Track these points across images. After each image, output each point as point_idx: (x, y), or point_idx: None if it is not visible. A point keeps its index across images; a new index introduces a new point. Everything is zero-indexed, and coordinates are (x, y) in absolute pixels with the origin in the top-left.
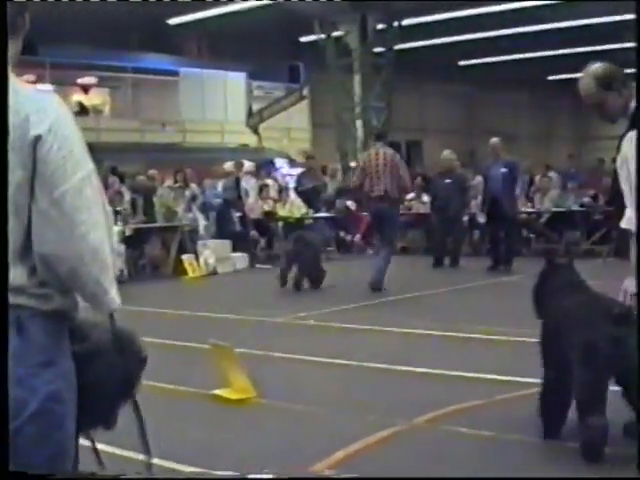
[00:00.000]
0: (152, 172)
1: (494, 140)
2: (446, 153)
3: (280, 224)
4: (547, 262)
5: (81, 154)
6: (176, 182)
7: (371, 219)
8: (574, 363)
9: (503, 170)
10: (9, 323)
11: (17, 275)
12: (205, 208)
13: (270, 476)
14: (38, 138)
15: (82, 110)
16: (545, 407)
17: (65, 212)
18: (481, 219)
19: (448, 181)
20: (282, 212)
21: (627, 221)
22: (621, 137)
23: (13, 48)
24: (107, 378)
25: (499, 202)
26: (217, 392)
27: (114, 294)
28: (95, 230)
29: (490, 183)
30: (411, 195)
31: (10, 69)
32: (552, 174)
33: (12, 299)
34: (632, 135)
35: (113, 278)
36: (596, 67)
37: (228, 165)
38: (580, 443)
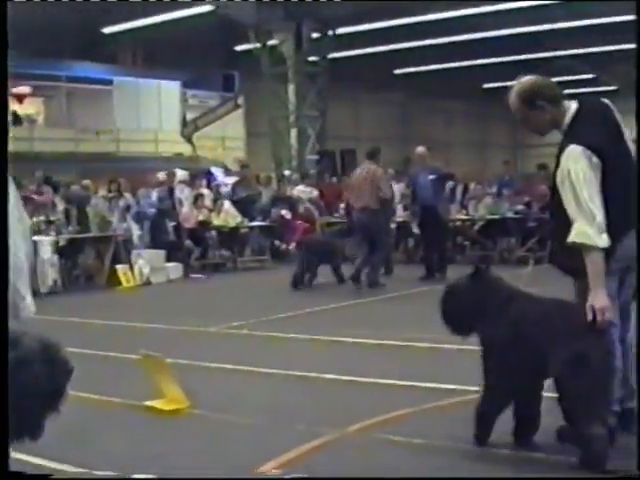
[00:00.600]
0: (86, 182)
1: (420, 149)
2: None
3: (214, 233)
4: (475, 272)
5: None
6: (110, 192)
7: (356, 229)
8: (562, 375)
9: (431, 177)
10: None
11: None
12: (139, 218)
13: (151, 476)
14: None
15: (16, 120)
16: (485, 415)
17: None
18: (415, 229)
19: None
20: (217, 221)
21: (580, 235)
22: (560, 148)
23: None
24: (34, 388)
25: (430, 209)
26: (149, 403)
27: (30, 301)
28: (18, 253)
29: (420, 191)
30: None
31: None
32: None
33: None
34: (571, 150)
35: (29, 285)
36: (521, 83)
37: (162, 174)
38: (581, 455)
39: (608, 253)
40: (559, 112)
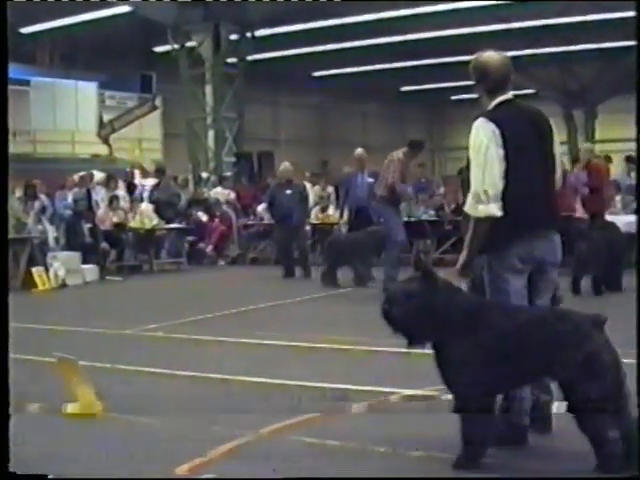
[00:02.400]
0: None
1: (359, 151)
2: (285, 164)
3: (131, 235)
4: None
5: None
6: (26, 194)
7: None
8: (570, 380)
9: (369, 180)
10: None
11: None
12: (55, 220)
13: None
14: None
15: None
16: (474, 435)
17: None
18: (343, 229)
19: (289, 192)
20: (133, 223)
21: (467, 205)
22: None
23: None
24: None
25: (364, 211)
26: (63, 407)
27: None
28: None
29: (355, 193)
30: (262, 206)
31: None
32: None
33: None
34: (475, 122)
35: None
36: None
37: (78, 176)
38: (599, 459)
39: (507, 243)
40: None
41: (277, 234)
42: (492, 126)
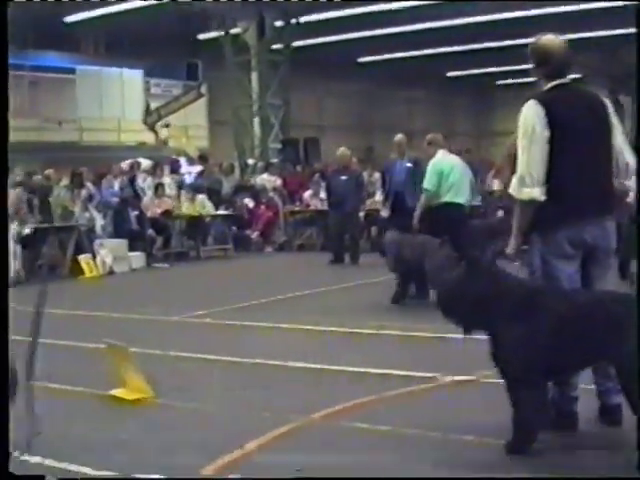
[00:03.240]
0: (48, 171)
1: (399, 136)
2: (341, 150)
3: (178, 222)
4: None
5: None
6: (73, 182)
7: None
8: (625, 364)
9: (408, 165)
10: None
11: None
12: (102, 207)
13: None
14: None
15: None
16: (528, 421)
17: None
18: (384, 213)
19: (344, 178)
20: (184, 210)
21: (512, 187)
22: None
23: None
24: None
25: (401, 196)
26: (113, 392)
27: None
28: None
29: (395, 179)
30: (309, 192)
31: None
32: None
33: None
34: (527, 105)
35: None
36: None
37: (124, 164)
38: None
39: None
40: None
41: (330, 220)
42: (539, 108)
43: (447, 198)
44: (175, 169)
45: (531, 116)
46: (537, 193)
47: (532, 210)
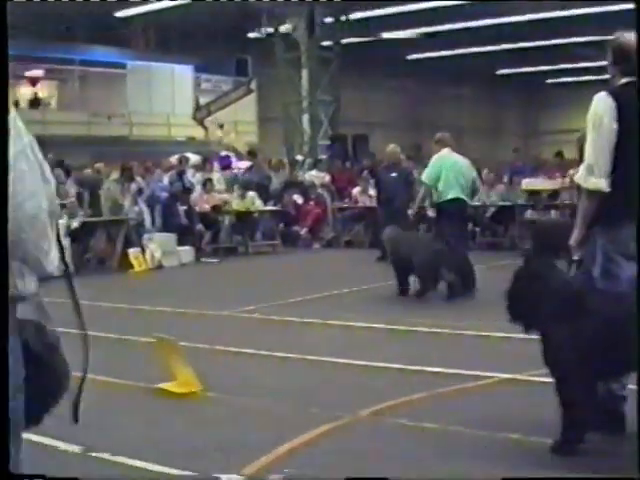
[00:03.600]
0: (98, 165)
1: (438, 135)
2: (392, 147)
3: (227, 217)
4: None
5: (14, 131)
6: (123, 175)
7: None
8: None
9: None
10: None
11: None
12: (151, 201)
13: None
14: None
15: (33, 102)
16: (576, 421)
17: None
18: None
19: (394, 174)
20: (235, 206)
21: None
22: None
23: None
24: (62, 372)
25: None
26: (162, 386)
27: (53, 257)
28: (31, 199)
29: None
30: (357, 189)
31: None
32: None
33: None
34: (598, 97)
35: (53, 243)
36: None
37: (174, 158)
38: None
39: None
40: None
41: (379, 217)
42: (610, 101)
43: (451, 195)
44: (226, 165)
45: (602, 108)
46: (603, 184)
47: (597, 201)
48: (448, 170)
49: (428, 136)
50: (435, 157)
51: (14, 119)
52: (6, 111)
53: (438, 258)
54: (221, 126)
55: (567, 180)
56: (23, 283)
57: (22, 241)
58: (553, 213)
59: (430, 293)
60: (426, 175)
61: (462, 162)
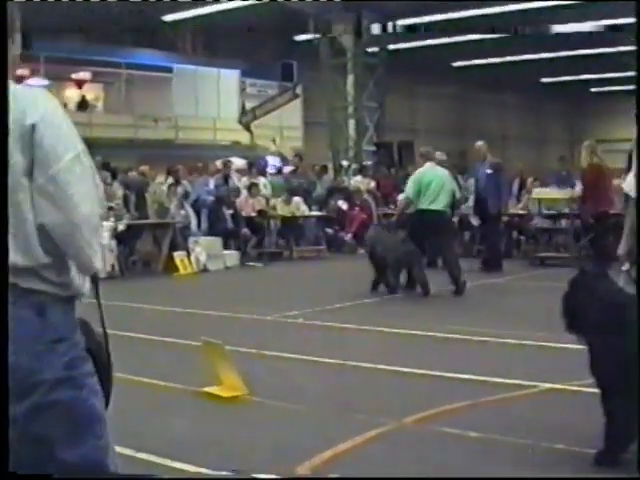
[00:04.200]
0: (143, 168)
1: (479, 143)
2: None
3: (273, 222)
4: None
5: (70, 138)
6: (169, 178)
7: None
8: None
9: (488, 171)
10: (30, 305)
11: (33, 257)
12: (197, 205)
13: (273, 476)
14: (33, 126)
15: (81, 104)
16: (622, 435)
17: (59, 186)
18: (474, 221)
19: None
20: (280, 210)
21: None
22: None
23: (14, 48)
24: (108, 371)
25: (482, 202)
26: (208, 389)
27: (99, 258)
28: (85, 201)
29: (477, 184)
30: (402, 195)
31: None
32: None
33: (34, 284)
34: None
35: (99, 244)
36: None
37: (219, 162)
38: None
39: None
40: None
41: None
42: None
43: (425, 205)
44: (262, 169)
45: None
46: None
47: None
48: (428, 183)
49: (473, 143)
50: (417, 171)
51: (69, 125)
52: (6, 111)
53: (408, 257)
54: (273, 141)
55: (577, 189)
56: (82, 282)
57: (76, 240)
58: (564, 222)
59: (473, 301)
60: (407, 189)
61: (442, 176)
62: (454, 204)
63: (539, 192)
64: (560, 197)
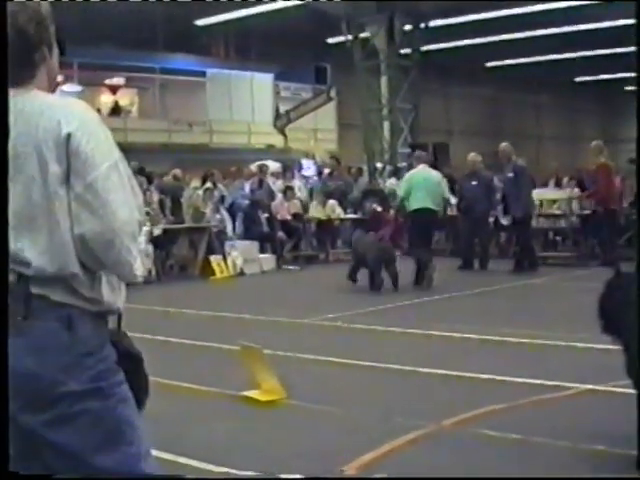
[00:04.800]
0: (176, 171)
1: (503, 144)
2: (472, 155)
3: (308, 225)
4: (617, 272)
5: (107, 146)
6: (204, 183)
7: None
8: None
9: (510, 175)
10: (59, 318)
11: (65, 265)
12: (233, 209)
13: (299, 476)
14: (69, 136)
15: (115, 110)
16: None
17: (97, 194)
18: (504, 221)
19: (474, 183)
20: (316, 213)
21: None
22: None
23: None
24: (139, 382)
25: (509, 205)
26: (246, 393)
27: (140, 264)
28: (124, 207)
29: (504, 185)
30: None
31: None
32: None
33: (64, 298)
34: None
35: (138, 251)
36: None
37: (254, 166)
38: None
39: None
40: None
41: (460, 225)
42: None
43: (419, 205)
44: (296, 172)
45: None
46: None
47: None
48: (419, 184)
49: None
50: (409, 173)
51: (106, 133)
52: (6, 110)
53: (383, 255)
54: (312, 157)
55: (576, 190)
56: (115, 297)
57: (116, 246)
58: (563, 222)
59: (509, 302)
60: (400, 188)
61: (433, 177)
62: (445, 205)
63: (539, 192)
64: (559, 197)
